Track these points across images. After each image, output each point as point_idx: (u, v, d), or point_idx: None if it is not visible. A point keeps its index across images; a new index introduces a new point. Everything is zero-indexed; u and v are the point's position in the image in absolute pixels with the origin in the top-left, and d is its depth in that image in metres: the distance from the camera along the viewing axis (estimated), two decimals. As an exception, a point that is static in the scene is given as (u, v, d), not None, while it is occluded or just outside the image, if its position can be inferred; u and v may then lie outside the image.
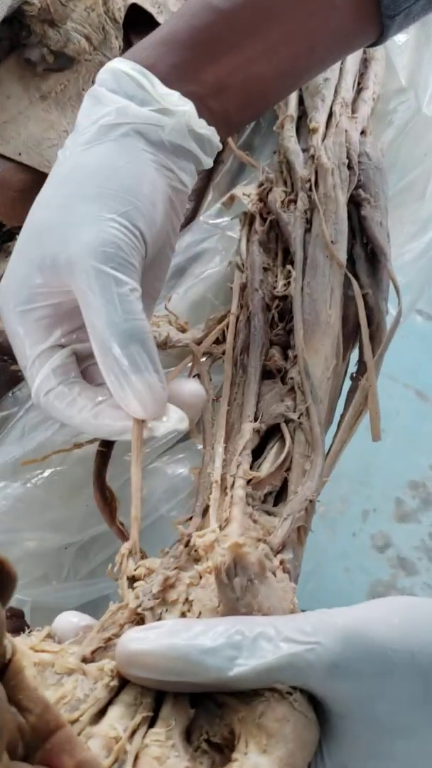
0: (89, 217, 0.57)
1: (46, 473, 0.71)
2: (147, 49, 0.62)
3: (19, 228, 0.81)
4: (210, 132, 0.63)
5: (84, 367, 0.62)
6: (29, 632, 0.50)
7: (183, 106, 0.61)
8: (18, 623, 0.53)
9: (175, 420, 0.58)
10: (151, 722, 0.44)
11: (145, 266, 0.59)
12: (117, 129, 0.60)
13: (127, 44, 0.88)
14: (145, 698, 0.44)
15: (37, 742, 0.35)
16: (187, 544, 0.54)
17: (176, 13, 0.64)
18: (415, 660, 0.42)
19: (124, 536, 0.58)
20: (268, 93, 0.66)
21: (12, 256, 0.60)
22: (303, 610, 0.49)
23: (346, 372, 0.72)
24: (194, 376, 0.70)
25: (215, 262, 0.82)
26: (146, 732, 0.43)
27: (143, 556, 0.55)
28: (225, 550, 0.48)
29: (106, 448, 0.65)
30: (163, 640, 0.43)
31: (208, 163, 0.65)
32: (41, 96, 0.83)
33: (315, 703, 0.44)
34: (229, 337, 0.69)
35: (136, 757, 0.41)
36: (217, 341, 0.72)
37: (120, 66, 0.61)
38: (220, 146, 0.65)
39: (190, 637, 0.43)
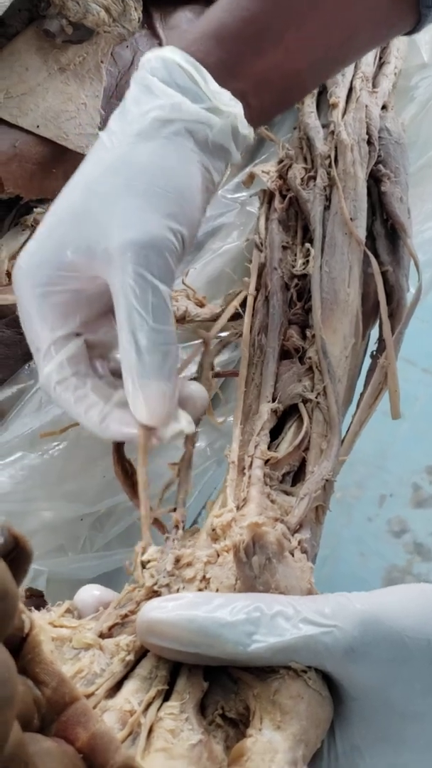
0: (136, 212, 0.55)
1: (63, 444, 0.71)
2: (197, 43, 0.60)
3: (37, 201, 0.83)
4: (249, 132, 0.62)
5: (91, 356, 0.61)
6: (48, 608, 0.51)
7: (233, 107, 0.60)
8: (37, 602, 0.53)
9: (184, 423, 0.57)
10: (166, 696, 0.44)
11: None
12: (170, 125, 0.58)
13: (147, 16, 0.88)
14: (160, 672, 0.45)
15: (53, 714, 0.36)
16: (181, 527, 0.55)
17: (221, 2, 0.62)
18: (431, 647, 0.43)
19: (158, 523, 0.59)
20: (302, 84, 0.65)
21: (39, 233, 0.59)
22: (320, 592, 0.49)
23: (365, 350, 0.72)
24: (199, 366, 0.69)
25: (233, 236, 0.81)
26: (161, 705, 0.43)
27: None
28: (244, 528, 0.48)
29: None
30: (183, 611, 0.43)
31: (237, 159, 0.63)
32: (60, 68, 0.83)
33: (329, 682, 0.44)
34: (247, 318, 0.68)
35: (151, 730, 0.42)
36: (234, 317, 0.72)
37: (172, 56, 0.59)
38: (251, 141, 0.63)
39: (210, 610, 0.43)
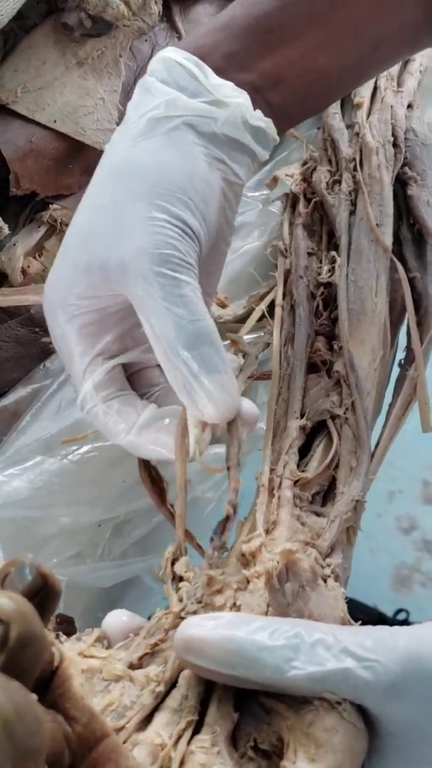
0: (140, 219, 0.54)
1: (82, 449, 0.70)
2: (203, 37, 0.60)
3: (53, 197, 0.82)
4: (266, 124, 0.60)
5: (134, 371, 0.61)
6: (79, 637, 0.50)
7: (237, 98, 0.58)
8: (68, 628, 0.52)
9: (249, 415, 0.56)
10: (197, 728, 0.44)
11: (200, 263, 0.57)
12: (166, 122, 0.57)
13: (166, 10, 0.86)
14: (189, 702, 0.44)
15: (84, 751, 0.35)
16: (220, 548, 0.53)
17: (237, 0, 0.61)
18: None
19: (174, 519, 0.57)
20: (329, 87, 0.64)
21: (56, 261, 0.59)
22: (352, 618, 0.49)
23: (394, 359, 0.70)
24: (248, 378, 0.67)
25: (254, 236, 0.80)
26: (191, 738, 0.43)
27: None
28: (277, 555, 0.47)
29: None
30: (222, 630, 0.43)
31: (263, 156, 0.62)
32: (78, 62, 0.82)
33: (365, 714, 0.44)
34: (276, 331, 0.67)
35: (182, 764, 0.41)
36: (260, 318, 0.70)
37: (172, 55, 0.59)
38: (278, 139, 0.62)
39: (249, 632, 0.42)
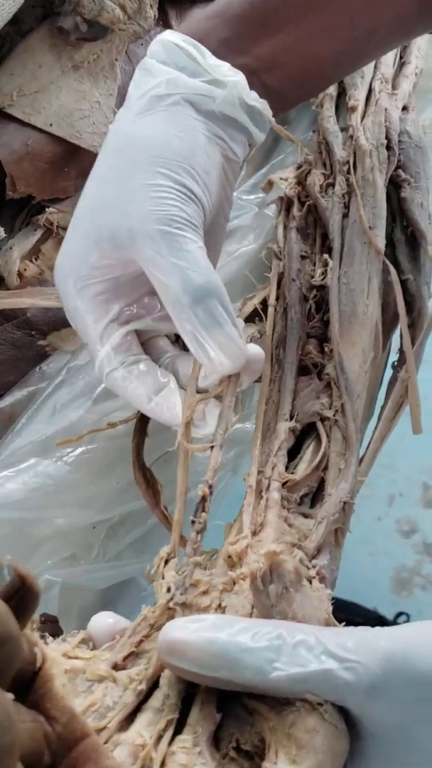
0: (145, 187, 0.56)
1: (77, 451, 0.70)
2: (200, 22, 0.62)
3: (49, 201, 0.82)
4: (262, 105, 0.62)
5: (145, 340, 0.63)
6: (63, 638, 0.50)
7: (233, 76, 0.60)
8: (52, 628, 0.52)
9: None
10: (180, 729, 0.44)
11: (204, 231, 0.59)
12: (167, 99, 0.60)
13: (162, 14, 0.86)
14: (171, 701, 0.44)
15: (64, 750, 0.36)
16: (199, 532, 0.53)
17: None
18: None
19: (168, 522, 0.58)
20: (325, 72, 0.65)
21: (67, 235, 0.61)
22: (338, 619, 0.49)
23: (386, 361, 0.70)
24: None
25: (249, 239, 0.80)
26: (173, 738, 0.43)
27: None
28: (261, 556, 0.48)
29: (142, 425, 0.66)
30: (205, 633, 0.43)
31: (260, 137, 0.64)
32: (74, 66, 0.82)
33: (347, 716, 0.44)
34: (269, 330, 0.68)
35: (163, 764, 0.41)
36: (250, 317, 0.71)
37: (171, 38, 0.61)
38: (272, 121, 0.64)
39: (232, 634, 0.43)
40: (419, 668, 0.42)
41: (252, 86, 0.61)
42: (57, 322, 0.77)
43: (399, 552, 1.37)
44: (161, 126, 0.59)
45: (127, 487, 0.68)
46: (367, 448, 0.64)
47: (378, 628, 0.44)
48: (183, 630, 0.43)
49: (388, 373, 0.70)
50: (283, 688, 0.42)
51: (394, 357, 0.70)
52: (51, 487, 0.68)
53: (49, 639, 0.50)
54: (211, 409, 0.59)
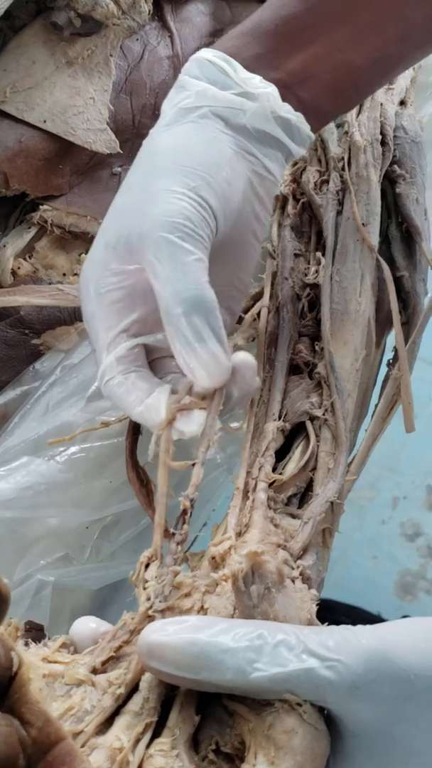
0: (162, 192, 0.57)
1: (70, 450, 0.69)
2: (232, 39, 0.62)
3: (43, 198, 0.81)
4: (296, 117, 0.62)
5: (154, 359, 0.62)
6: (45, 643, 0.50)
7: (265, 88, 0.60)
8: (36, 635, 0.52)
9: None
10: (159, 732, 0.43)
11: (216, 246, 0.58)
12: (196, 111, 0.60)
13: (157, 8, 0.86)
14: (150, 704, 0.44)
15: (39, 754, 0.36)
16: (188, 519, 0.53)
17: (265, 3, 0.63)
18: None
19: (166, 531, 0.57)
20: (358, 81, 0.65)
21: (94, 241, 0.61)
22: (323, 619, 0.49)
23: (381, 359, 0.70)
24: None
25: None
26: (151, 741, 0.43)
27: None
28: (242, 557, 0.47)
29: (136, 424, 0.65)
30: (184, 634, 0.43)
31: (298, 152, 0.64)
32: (67, 62, 0.81)
33: (329, 716, 0.44)
34: (261, 329, 0.67)
35: (141, 767, 0.41)
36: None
37: (203, 55, 0.61)
38: (312, 135, 0.64)
39: (212, 635, 0.42)
40: (400, 667, 0.42)
41: (286, 100, 0.61)
42: (51, 320, 0.77)
43: (403, 556, 1.36)
44: (187, 135, 0.60)
45: (121, 487, 0.68)
46: (360, 446, 0.63)
47: (359, 627, 0.44)
48: (162, 632, 0.43)
49: (385, 372, 0.69)
50: (264, 688, 0.42)
51: (390, 355, 0.69)
52: (43, 486, 0.68)
53: (33, 645, 0.50)
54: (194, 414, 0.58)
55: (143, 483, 0.63)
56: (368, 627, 0.44)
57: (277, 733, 0.41)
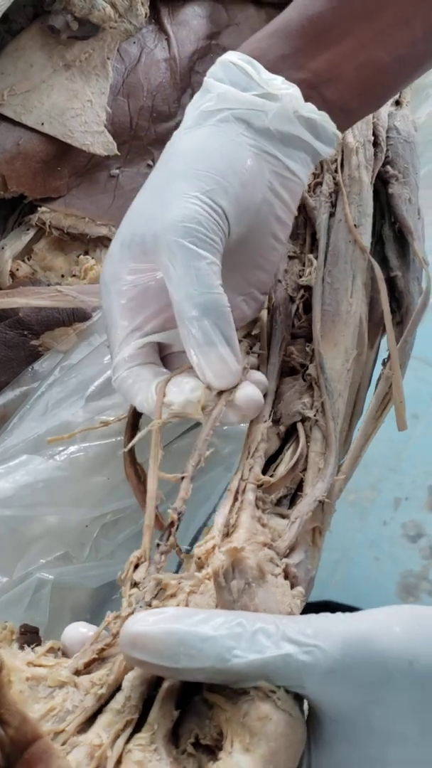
0: (177, 195, 0.58)
1: (69, 449, 0.70)
2: (259, 41, 0.63)
3: (42, 200, 0.82)
4: (321, 117, 0.62)
5: (168, 353, 0.64)
6: (33, 647, 0.51)
7: (287, 89, 0.61)
8: (31, 639, 0.54)
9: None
10: (140, 729, 0.44)
11: (230, 247, 0.59)
12: (217, 114, 0.61)
13: (154, 11, 0.86)
14: (131, 702, 0.45)
15: (16, 753, 0.37)
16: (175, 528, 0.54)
17: (292, 4, 0.64)
18: (413, 669, 0.42)
19: (159, 522, 0.57)
20: (385, 79, 0.64)
21: (113, 240, 0.62)
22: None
23: (376, 359, 0.70)
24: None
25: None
26: (131, 737, 0.44)
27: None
28: (223, 553, 0.48)
29: (134, 420, 0.66)
30: (164, 624, 0.43)
31: (326, 151, 0.64)
32: (65, 65, 0.82)
33: (309, 704, 0.44)
34: (263, 334, 0.68)
35: (120, 762, 0.42)
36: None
37: (228, 57, 0.62)
38: (339, 134, 0.64)
39: (191, 624, 0.43)
40: (377, 651, 0.42)
41: (311, 100, 0.61)
42: (50, 321, 0.77)
43: (405, 557, 1.36)
44: (206, 139, 0.60)
45: (120, 485, 0.68)
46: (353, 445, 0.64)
47: (338, 614, 0.45)
48: (143, 623, 0.44)
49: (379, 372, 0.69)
50: (243, 675, 0.42)
51: (385, 354, 0.69)
52: (42, 485, 0.68)
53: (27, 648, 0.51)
54: (180, 380, 0.59)
55: (141, 479, 0.64)
56: (347, 614, 0.44)
57: (252, 720, 0.42)
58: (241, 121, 0.60)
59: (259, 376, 0.61)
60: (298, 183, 0.63)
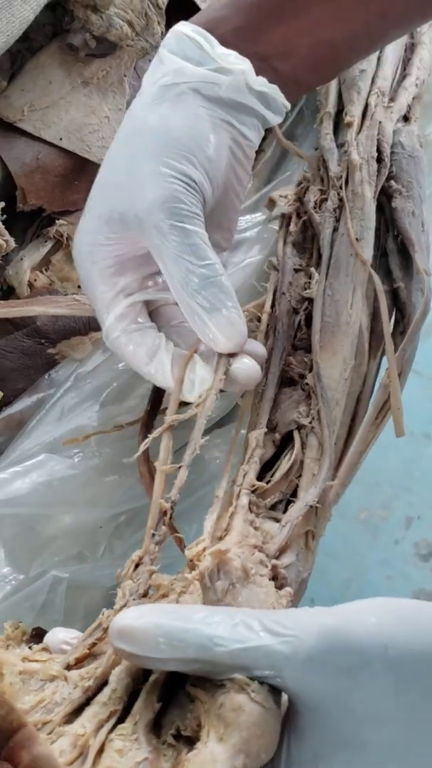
0: (151, 175, 0.61)
1: (84, 450, 0.72)
2: (215, 11, 0.64)
3: (60, 213, 0.83)
4: (271, 90, 0.64)
5: (154, 308, 0.67)
6: (30, 645, 0.54)
7: (239, 64, 0.62)
8: (39, 641, 0.56)
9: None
10: (124, 720, 0.46)
11: (207, 213, 0.63)
12: (174, 88, 0.63)
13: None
14: (117, 694, 0.47)
15: (3, 741, 0.40)
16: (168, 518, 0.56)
17: None
18: (388, 653, 0.43)
19: (172, 528, 0.59)
20: (339, 56, 0.67)
21: (83, 213, 0.65)
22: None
23: (378, 368, 0.71)
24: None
25: (255, 251, 0.82)
26: (114, 727, 0.45)
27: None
28: (210, 555, 0.50)
29: (149, 421, 0.68)
30: (150, 617, 0.45)
31: (274, 120, 0.66)
32: (83, 81, 0.84)
33: (285, 693, 0.46)
34: (260, 339, 0.69)
35: (102, 751, 0.44)
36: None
37: (182, 29, 0.64)
38: (287, 105, 0.66)
39: (175, 617, 0.45)
40: (353, 638, 0.43)
41: (262, 72, 0.63)
42: (66, 330, 0.79)
43: (418, 576, 1.35)
44: (168, 116, 0.62)
45: (135, 484, 0.69)
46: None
47: (317, 607, 0.46)
48: (131, 617, 0.45)
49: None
50: (225, 664, 0.44)
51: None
52: (58, 484, 0.70)
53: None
54: (197, 372, 0.63)
55: (153, 478, 0.65)
56: (324, 607, 0.46)
57: (226, 711, 0.43)
58: (197, 93, 0.63)
59: (256, 345, 0.64)
60: (252, 145, 0.66)
